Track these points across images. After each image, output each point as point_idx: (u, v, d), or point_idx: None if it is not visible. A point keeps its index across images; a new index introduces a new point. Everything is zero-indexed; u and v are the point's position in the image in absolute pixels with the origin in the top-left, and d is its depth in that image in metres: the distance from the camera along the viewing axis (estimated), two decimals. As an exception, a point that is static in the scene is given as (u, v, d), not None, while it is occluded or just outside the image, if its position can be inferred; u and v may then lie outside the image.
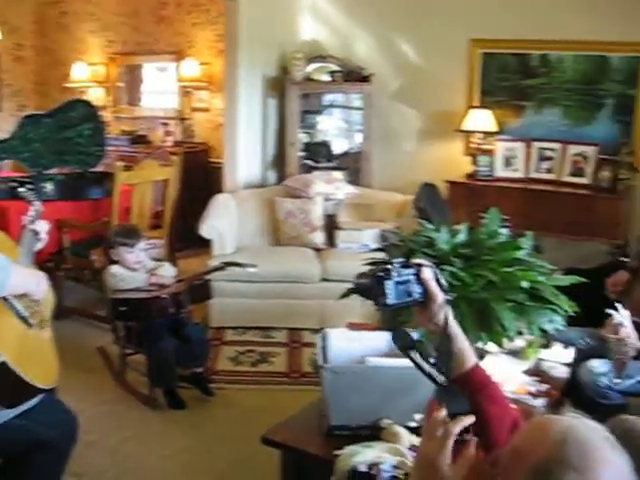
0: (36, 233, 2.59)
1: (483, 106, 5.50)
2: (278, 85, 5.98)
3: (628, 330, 2.69)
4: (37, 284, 2.38)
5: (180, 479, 3.15)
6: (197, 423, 3.64)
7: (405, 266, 1.59)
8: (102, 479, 3.13)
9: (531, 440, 1.25)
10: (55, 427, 2.42)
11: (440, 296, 1.60)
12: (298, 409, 2.50)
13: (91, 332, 4.81)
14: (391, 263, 1.58)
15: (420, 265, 1.61)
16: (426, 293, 1.60)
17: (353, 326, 2.62)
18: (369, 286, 1.58)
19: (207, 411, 3.79)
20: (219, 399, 3.90)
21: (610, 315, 2.69)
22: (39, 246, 2.66)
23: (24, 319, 2.37)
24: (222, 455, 3.33)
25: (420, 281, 1.59)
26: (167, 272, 4.03)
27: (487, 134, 5.45)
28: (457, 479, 1.29)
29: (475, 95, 5.62)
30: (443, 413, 1.36)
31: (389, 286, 1.54)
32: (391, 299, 1.55)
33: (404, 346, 1.58)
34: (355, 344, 2.32)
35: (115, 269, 3.87)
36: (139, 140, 7.59)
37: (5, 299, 2.27)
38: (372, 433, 2.18)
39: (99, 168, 5.54)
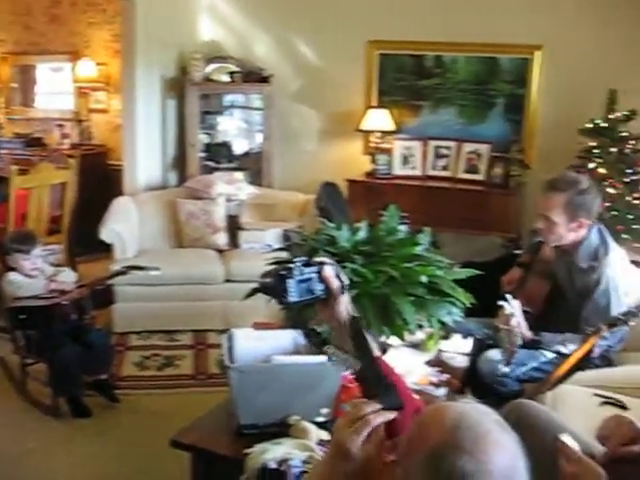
0: None
1: (381, 106, 5.61)
2: (177, 86, 5.92)
3: (518, 319, 2.83)
4: None
5: (86, 488, 3.10)
6: (103, 430, 3.58)
7: (307, 264, 1.64)
8: (4, 494, 3.04)
9: (427, 426, 1.30)
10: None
11: (341, 293, 1.66)
12: (206, 411, 2.50)
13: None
14: (293, 262, 1.63)
15: (322, 263, 1.67)
16: (328, 290, 1.65)
17: (258, 326, 2.65)
18: (272, 285, 1.63)
19: (113, 418, 3.73)
20: (125, 405, 3.85)
21: (502, 306, 2.83)
22: None
23: None
24: (130, 461, 3.29)
25: (322, 279, 1.65)
26: (67, 278, 3.93)
27: (385, 133, 5.56)
28: (363, 460, 1.34)
29: (373, 95, 5.74)
30: (364, 400, 1.40)
31: (291, 284, 1.59)
32: (294, 297, 1.60)
33: (318, 343, 1.62)
34: (261, 343, 2.35)
35: (12, 276, 3.75)
36: (34, 143, 7.33)
37: None
38: (281, 430, 2.20)
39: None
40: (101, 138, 7.27)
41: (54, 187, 5.18)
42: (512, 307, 2.85)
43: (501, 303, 2.89)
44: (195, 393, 3.97)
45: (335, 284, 1.66)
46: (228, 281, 4.87)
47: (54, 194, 5.21)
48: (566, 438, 1.76)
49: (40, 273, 3.84)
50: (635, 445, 1.70)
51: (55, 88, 7.65)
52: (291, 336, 2.37)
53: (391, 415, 1.37)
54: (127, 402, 3.87)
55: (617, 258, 3.03)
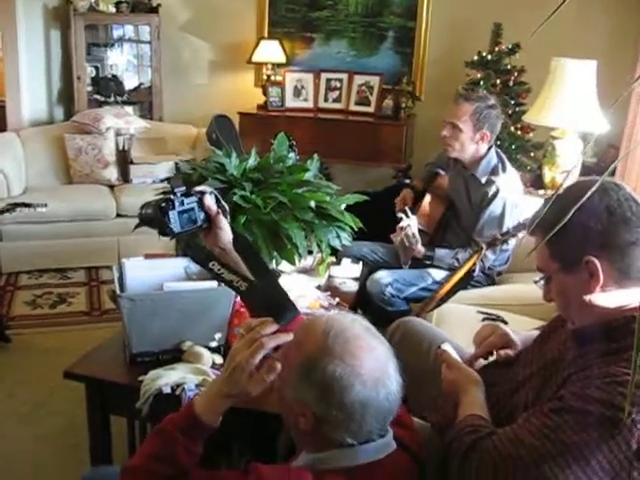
0: None
1: (273, 37, 5.56)
2: (61, 16, 5.65)
3: (414, 230, 3.01)
4: None
5: (-20, 427, 3.05)
6: (-5, 370, 3.53)
7: (187, 194, 1.66)
8: None
9: (300, 337, 1.37)
10: None
11: (222, 219, 1.70)
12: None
13: None
14: (174, 193, 1.64)
15: (202, 192, 1.69)
16: (209, 219, 1.68)
17: (149, 256, 2.64)
18: (154, 217, 1.64)
19: (5, 358, 3.66)
20: (18, 344, 3.78)
21: (400, 219, 2.99)
22: None
23: None
24: (25, 399, 3.26)
25: (203, 208, 1.67)
26: None
27: (277, 65, 5.54)
28: (255, 388, 1.38)
29: (264, 26, 5.67)
30: (260, 321, 1.44)
31: (173, 216, 1.62)
32: (176, 228, 1.63)
33: (202, 259, 1.63)
34: (152, 272, 2.33)
35: None
36: None
37: None
38: (174, 356, 2.22)
39: None
40: (-20, 72, 6.90)
41: None
42: (409, 219, 3.02)
43: (399, 215, 3.05)
44: (89, 329, 3.94)
45: (215, 211, 1.69)
46: (119, 216, 4.81)
47: None
48: (447, 347, 1.87)
49: None
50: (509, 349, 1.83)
51: None
52: (182, 264, 2.37)
53: (286, 337, 1.40)
54: (19, 341, 3.80)
55: (513, 177, 3.21)
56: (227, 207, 1.74)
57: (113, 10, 5.60)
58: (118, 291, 2.21)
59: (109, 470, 1.68)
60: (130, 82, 5.96)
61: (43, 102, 5.75)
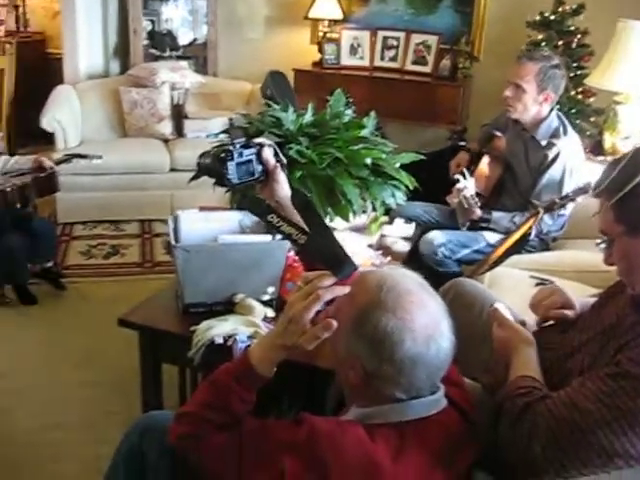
0: None
1: (330, -7, 5.47)
2: (119, -30, 5.66)
3: (472, 192, 2.97)
4: None
5: (38, 371, 3.13)
6: (51, 317, 3.61)
7: (246, 146, 1.66)
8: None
9: (353, 291, 1.36)
10: None
11: (280, 172, 1.69)
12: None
13: None
14: (233, 144, 1.63)
15: (261, 145, 1.68)
16: (266, 171, 1.68)
17: (204, 209, 2.65)
18: (212, 167, 1.64)
19: (61, 305, 3.76)
20: (73, 292, 3.87)
21: (457, 182, 2.94)
22: None
23: None
24: (79, 345, 3.34)
25: (261, 160, 1.67)
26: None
27: (334, 22, 5.47)
28: (309, 343, 1.38)
29: (321, -18, 5.58)
30: (315, 272, 1.44)
31: (231, 167, 1.62)
32: (234, 179, 1.63)
33: (260, 211, 1.63)
34: (206, 224, 2.35)
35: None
36: (-35, 30, 7.01)
37: None
38: (227, 308, 2.24)
39: None
40: (39, 25, 6.97)
41: (-10, 74, 4.99)
42: (467, 181, 2.98)
43: (457, 177, 3.01)
44: (142, 280, 4.01)
45: (273, 164, 1.68)
46: (173, 170, 4.85)
47: (-9, 81, 5.03)
48: (499, 305, 1.84)
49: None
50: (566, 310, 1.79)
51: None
52: (237, 217, 2.38)
53: (342, 290, 1.40)
54: (74, 290, 3.90)
55: (574, 141, 3.14)
56: (285, 161, 1.73)
57: (171, -36, 5.58)
58: (173, 242, 2.23)
59: (163, 415, 1.71)
60: (184, 37, 5.96)
61: (99, 56, 5.79)
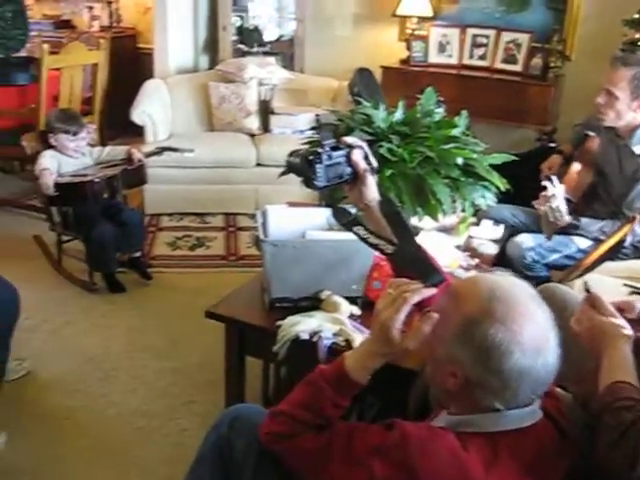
0: None
1: (419, -10, 5.42)
2: (210, -35, 5.76)
3: (560, 200, 2.86)
4: None
5: (124, 358, 3.22)
6: (137, 305, 3.70)
7: (336, 148, 1.63)
8: (46, 361, 3.16)
9: (461, 297, 1.33)
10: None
11: (369, 176, 1.67)
12: (238, 288, 2.56)
13: (25, 222, 4.75)
14: (322, 145, 1.62)
15: (351, 147, 1.66)
16: (355, 174, 1.65)
17: (292, 205, 2.67)
18: (301, 168, 1.63)
19: (147, 294, 3.84)
20: (158, 282, 3.95)
21: (545, 188, 2.85)
22: None
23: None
24: (165, 333, 3.41)
25: (350, 163, 1.64)
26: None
27: (422, 19, 5.41)
28: (402, 347, 1.38)
29: (411, -21, 5.53)
30: (403, 279, 1.43)
31: (319, 169, 1.60)
32: (321, 181, 1.61)
33: (346, 222, 1.64)
34: (294, 220, 2.36)
35: (52, 153, 3.80)
36: (63, 25, 7.25)
37: None
38: (312, 304, 2.24)
39: (22, 53, 5.31)
40: (131, 21, 7.15)
41: (85, 68, 5.13)
42: (555, 188, 2.87)
43: (545, 183, 2.91)
44: (226, 273, 4.06)
45: (362, 168, 1.66)
46: (259, 165, 4.89)
47: (85, 75, 5.16)
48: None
49: (81, 155, 3.87)
50: None
51: (84, -32, 7.47)
52: (324, 214, 2.38)
53: (430, 291, 1.39)
54: (160, 279, 3.98)
55: None
56: (376, 164, 1.71)
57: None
58: (262, 236, 2.25)
59: (252, 409, 1.72)
60: (270, 33, 6.01)
61: (189, 51, 5.90)
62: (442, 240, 2.78)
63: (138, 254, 3.98)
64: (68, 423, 2.76)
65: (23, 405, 2.84)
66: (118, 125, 5.55)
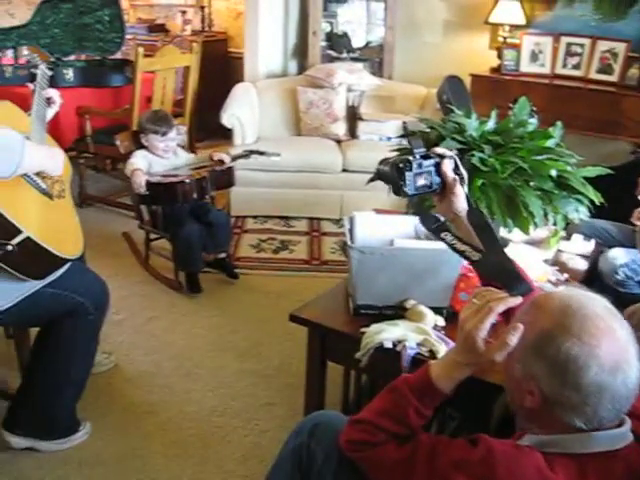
0: (48, 99, 2.61)
1: (512, -3, 5.33)
2: (301, -28, 5.81)
3: None
4: (53, 161, 2.36)
5: (206, 356, 3.27)
6: (220, 306, 3.75)
7: (426, 157, 1.64)
8: (132, 355, 3.25)
9: (537, 311, 1.32)
10: (85, 293, 2.45)
11: (458, 186, 1.65)
12: (320, 293, 2.55)
13: (115, 219, 4.91)
14: (413, 153, 1.62)
15: (441, 156, 1.65)
16: (445, 184, 1.65)
17: (380, 212, 2.66)
18: (390, 175, 1.64)
19: (229, 295, 3.90)
20: (242, 284, 4.00)
21: None
22: (52, 112, 2.68)
23: (44, 192, 2.39)
24: (246, 335, 3.45)
25: (440, 172, 1.64)
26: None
27: (515, 27, 5.32)
28: (487, 358, 1.36)
29: (504, -15, 5.44)
30: (488, 288, 1.42)
31: (409, 177, 1.61)
32: (410, 190, 1.62)
33: (434, 229, 1.63)
34: (381, 227, 2.35)
35: (143, 153, 3.90)
36: (157, 29, 7.46)
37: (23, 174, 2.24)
38: (397, 313, 2.23)
39: (118, 55, 5.48)
40: (222, 25, 7.29)
41: (178, 71, 5.27)
42: None
43: None
44: (309, 277, 4.09)
45: (451, 178, 1.65)
46: (345, 171, 4.89)
47: (177, 78, 5.30)
48: None
49: (172, 155, 3.96)
50: None
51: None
52: (412, 222, 2.36)
53: (514, 301, 1.37)
54: (244, 281, 4.03)
55: None
56: (465, 174, 1.70)
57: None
58: (349, 242, 2.25)
59: (334, 416, 1.72)
60: (358, 40, 6.01)
61: (279, 56, 5.97)
62: (531, 253, 2.72)
63: (223, 255, 4.04)
64: (149, 417, 2.82)
65: (108, 397, 2.93)
66: (207, 127, 5.67)
